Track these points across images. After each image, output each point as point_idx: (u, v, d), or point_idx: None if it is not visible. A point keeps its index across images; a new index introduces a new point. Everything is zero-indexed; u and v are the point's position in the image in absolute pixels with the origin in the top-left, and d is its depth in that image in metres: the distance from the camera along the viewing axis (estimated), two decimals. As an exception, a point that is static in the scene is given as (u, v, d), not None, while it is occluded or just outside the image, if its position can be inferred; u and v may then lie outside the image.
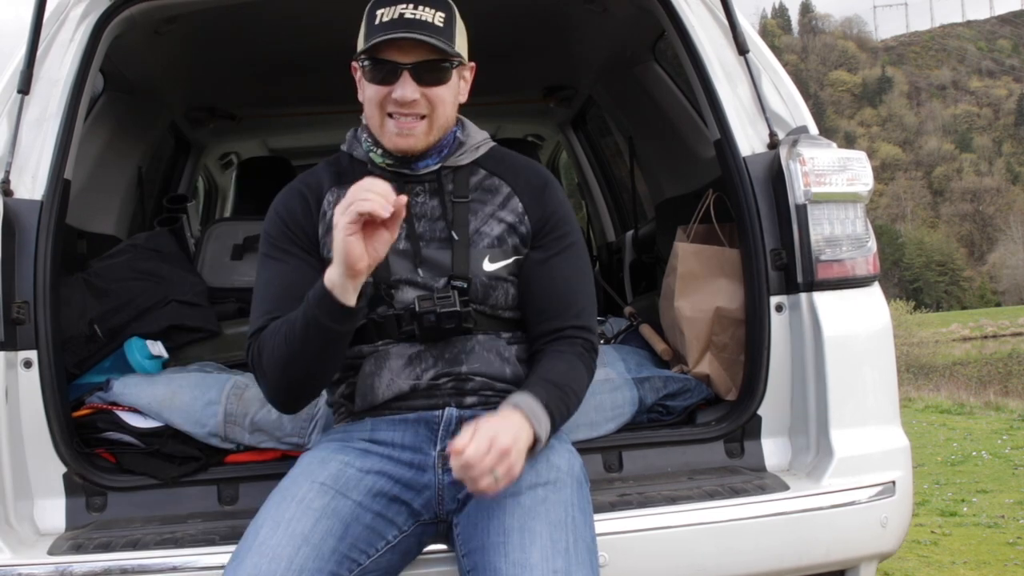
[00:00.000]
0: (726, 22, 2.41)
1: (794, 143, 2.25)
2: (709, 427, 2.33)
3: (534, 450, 1.65)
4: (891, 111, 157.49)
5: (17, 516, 2.05)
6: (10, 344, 2.06)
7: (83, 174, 2.79)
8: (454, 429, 1.78)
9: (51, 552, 1.95)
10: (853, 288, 2.24)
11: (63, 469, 2.12)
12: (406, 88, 1.76)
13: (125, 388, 2.33)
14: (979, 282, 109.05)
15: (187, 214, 3.52)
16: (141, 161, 3.72)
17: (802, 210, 2.21)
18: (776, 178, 2.27)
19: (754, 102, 2.37)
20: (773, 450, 2.28)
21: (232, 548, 1.63)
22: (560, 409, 1.73)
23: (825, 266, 2.21)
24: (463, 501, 1.74)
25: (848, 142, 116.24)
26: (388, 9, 1.75)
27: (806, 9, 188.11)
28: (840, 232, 2.23)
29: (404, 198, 1.56)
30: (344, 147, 1.95)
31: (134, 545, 1.93)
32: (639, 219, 4.05)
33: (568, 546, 1.60)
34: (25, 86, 2.22)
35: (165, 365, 2.57)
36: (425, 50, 1.75)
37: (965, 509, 5.25)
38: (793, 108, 2.37)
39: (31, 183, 2.18)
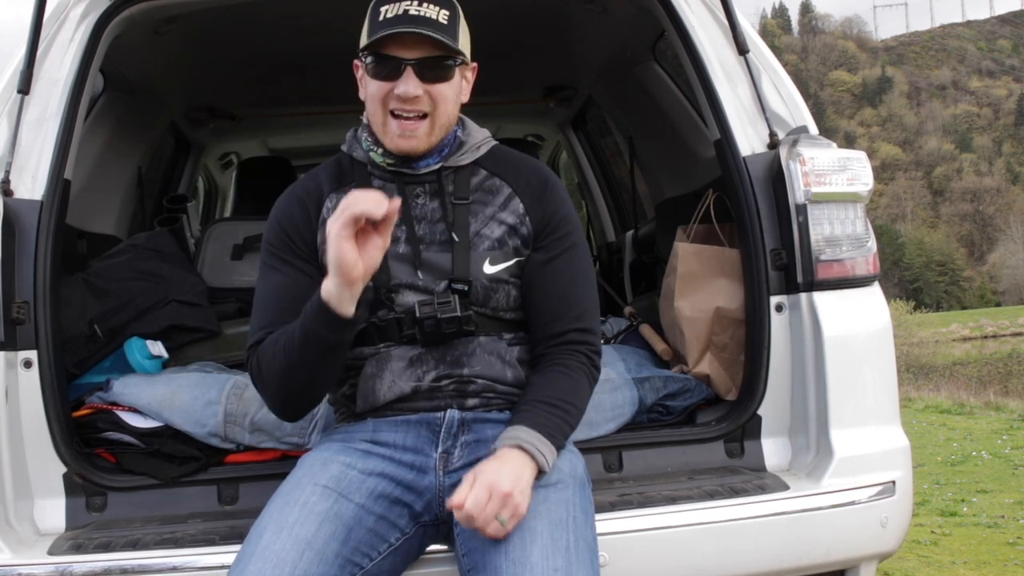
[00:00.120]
0: (726, 22, 2.41)
1: (794, 143, 2.25)
2: (709, 427, 2.33)
3: (539, 478, 1.66)
4: (891, 111, 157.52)
5: (17, 516, 2.05)
6: (10, 344, 2.06)
7: (83, 174, 2.79)
8: (456, 431, 1.79)
9: (51, 552, 1.95)
10: (853, 288, 2.24)
11: (63, 469, 2.12)
12: (409, 84, 1.75)
13: (125, 388, 2.33)
14: (979, 282, 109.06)
15: (187, 214, 3.52)
16: (141, 161, 3.72)
17: (802, 210, 2.21)
18: (776, 178, 2.26)
19: (754, 102, 2.37)
20: (773, 450, 2.28)
21: (232, 548, 1.63)
22: (563, 429, 1.74)
23: (825, 266, 2.21)
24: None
25: (848, 142, 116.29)
26: (392, 6, 1.75)
27: (806, 9, 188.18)
28: (840, 232, 2.23)
29: (397, 201, 1.56)
30: (344, 148, 1.94)
31: (134, 545, 1.93)
32: (639, 219, 4.05)
33: (568, 545, 1.60)
34: (25, 86, 2.22)
35: (165, 365, 2.57)
36: (429, 46, 1.75)
37: (965, 509, 5.25)
38: (793, 108, 2.37)
39: (31, 183, 2.18)
